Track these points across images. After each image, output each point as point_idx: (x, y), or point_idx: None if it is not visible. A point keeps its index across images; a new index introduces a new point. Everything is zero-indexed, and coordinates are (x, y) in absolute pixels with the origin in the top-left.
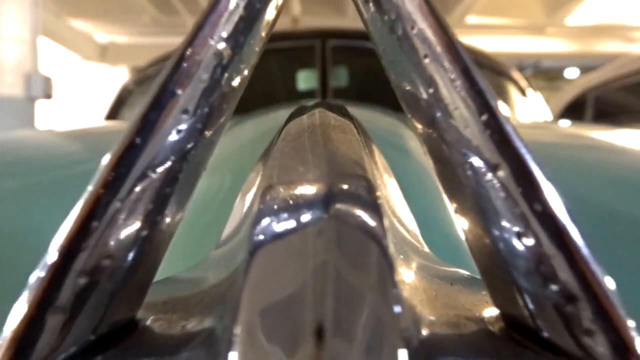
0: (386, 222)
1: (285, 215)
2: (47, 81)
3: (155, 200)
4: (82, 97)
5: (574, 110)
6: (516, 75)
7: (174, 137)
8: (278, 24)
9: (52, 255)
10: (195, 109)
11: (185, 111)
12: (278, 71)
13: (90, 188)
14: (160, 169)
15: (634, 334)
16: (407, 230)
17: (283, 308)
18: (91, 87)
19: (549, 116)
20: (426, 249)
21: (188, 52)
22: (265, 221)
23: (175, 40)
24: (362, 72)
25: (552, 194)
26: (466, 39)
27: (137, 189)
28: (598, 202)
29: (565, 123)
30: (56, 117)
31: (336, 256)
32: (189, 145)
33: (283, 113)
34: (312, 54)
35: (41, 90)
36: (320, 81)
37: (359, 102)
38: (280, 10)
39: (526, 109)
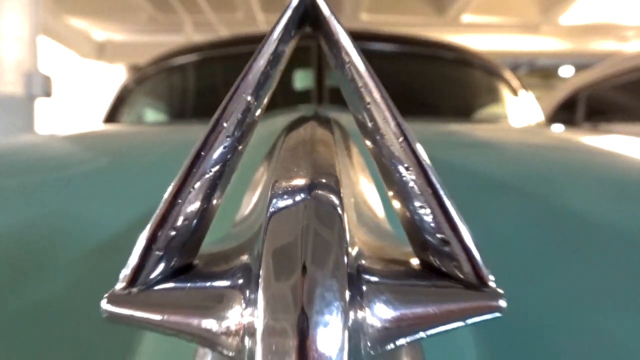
0: (345, 202)
1: (286, 197)
2: (47, 80)
3: (210, 188)
4: (79, 95)
5: (567, 109)
6: (508, 74)
7: (221, 151)
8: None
9: (155, 218)
10: (233, 133)
11: (228, 136)
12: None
13: (175, 180)
14: (213, 170)
15: (480, 261)
16: (370, 209)
17: (285, 250)
18: (89, 85)
19: (540, 116)
20: (386, 223)
21: (230, 102)
22: (275, 200)
23: (172, 38)
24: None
25: (439, 183)
26: (461, 37)
27: (199, 182)
28: (568, 199)
29: (553, 127)
30: (54, 115)
31: (314, 221)
32: (229, 156)
33: (281, 120)
34: (308, 54)
35: (41, 89)
36: (316, 81)
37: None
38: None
39: (518, 109)
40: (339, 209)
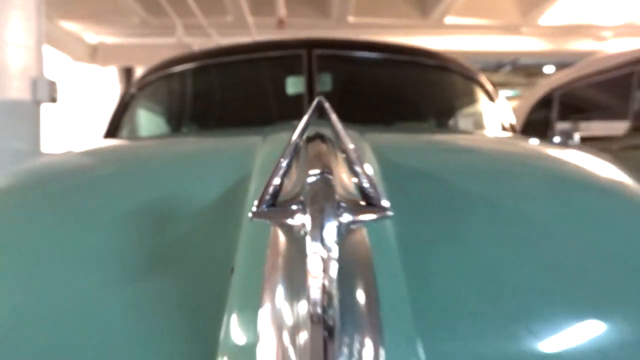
0: (336, 187)
1: (312, 177)
2: (52, 85)
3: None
4: (75, 98)
5: (544, 107)
6: (484, 79)
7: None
8: (266, 27)
9: (269, 178)
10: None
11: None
12: (269, 77)
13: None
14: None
15: (377, 195)
16: (347, 185)
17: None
18: (82, 87)
19: (511, 117)
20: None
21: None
22: (310, 178)
23: (163, 41)
24: (344, 78)
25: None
26: (445, 38)
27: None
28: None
29: (521, 137)
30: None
31: (325, 187)
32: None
33: (284, 136)
34: (299, 61)
35: (47, 95)
36: (307, 87)
37: (341, 105)
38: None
39: (492, 113)
40: (332, 188)
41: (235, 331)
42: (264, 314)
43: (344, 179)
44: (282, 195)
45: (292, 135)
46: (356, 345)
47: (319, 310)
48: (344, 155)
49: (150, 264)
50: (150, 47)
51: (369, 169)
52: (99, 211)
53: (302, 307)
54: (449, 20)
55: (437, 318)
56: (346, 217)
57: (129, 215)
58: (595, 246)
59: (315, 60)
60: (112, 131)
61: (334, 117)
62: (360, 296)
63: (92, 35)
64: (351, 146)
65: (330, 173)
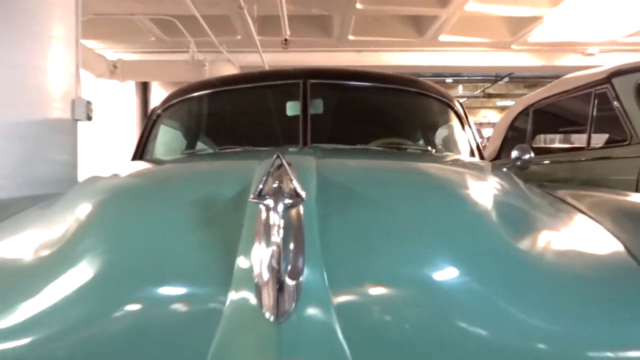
0: (285, 188)
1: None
2: (88, 105)
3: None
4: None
5: (521, 121)
6: (457, 105)
7: None
8: (272, 45)
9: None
10: None
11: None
12: (272, 101)
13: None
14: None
15: (299, 191)
16: (290, 190)
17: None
18: (102, 101)
19: (477, 139)
20: None
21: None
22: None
23: (177, 57)
24: (333, 103)
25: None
26: (439, 54)
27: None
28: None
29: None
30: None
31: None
32: None
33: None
34: (297, 89)
35: (84, 113)
36: (302, 109)
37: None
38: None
39: (462, 134)
40: (283, 186)
41: (243, 259)
42: (255, 249)
43: (289, 185)
44: (263, 192)
45: (268, 164)
46: (291, 261)
47: (278, 245)
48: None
49: (198, 226)
50: (165, 63)
51: (301, 180)
52: (168, 199)
53: (272, 241)
54: (443, 38)
55: (337, 252)
56: (287, 201)
57: (183, 202)
58: (433, 222)
59: (309, 87)
60: (143, 142)
61: (285, 164)
62: (295, 238)
63: (112, 52)
64: (291, 171)
65: (282, 182)
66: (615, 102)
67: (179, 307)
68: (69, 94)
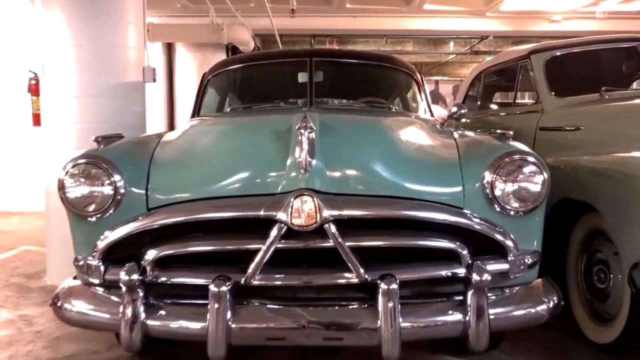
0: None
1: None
2: (154, 71)
3: None
4: None
5: (476, 84)
6: (418, 75)
7: None
8: (281, 12)
9: None
10: None
11: None
12: (288, 72)
13: None
14: None
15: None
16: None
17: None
18: None
19: (429, 101)
20: None
21: None
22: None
23: (199, 21)
24: (330, 73)
25: None
26: (424, 20)
27: None
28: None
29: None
30: None
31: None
32: None
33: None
34: (305, 64)
35: (151, 77)
36: (309, 78)
37: (328, 90)
38: None
39: (420, 97)
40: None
41: (293, 153)
42: (297, 150)
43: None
44: (299, 127)
45: (299, 116)
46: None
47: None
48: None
49: (269, 141)
50: (189, 26)
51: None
52: (248, 129)
53: (303, 147)
54: (427, 6)
55: (330, 152)
56: (309, 130)
57: (262, 130)
58: (394, 149)
59: (314, 63)
60: (199, 100)
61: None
62: (310, 145)
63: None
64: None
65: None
66: (531, 72)
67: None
68: (140, 63)
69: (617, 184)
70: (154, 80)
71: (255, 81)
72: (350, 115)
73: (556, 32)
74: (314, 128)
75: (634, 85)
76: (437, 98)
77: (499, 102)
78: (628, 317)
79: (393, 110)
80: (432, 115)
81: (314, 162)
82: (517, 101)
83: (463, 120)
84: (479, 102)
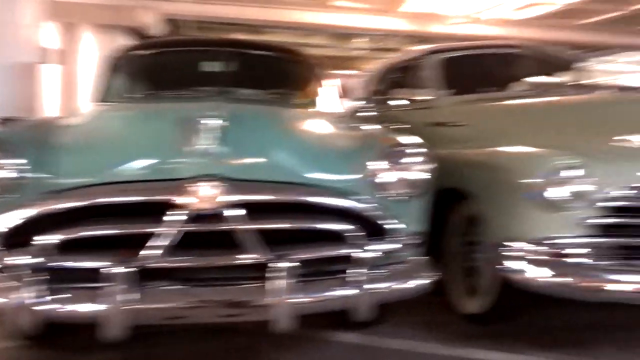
0: None
1: None
2: (49, 51)
3: None
4: None
5: (383, 79)
6: (317, 66)
7: None
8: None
9: None
10: None
11: None
12: (197, 60)
13: None
14: None
15: None
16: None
17: None
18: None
19: (335, 95)
20: None
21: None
22: None
23: (104, 1)
24: (239, 64)
25: None
26: (332, 15)
27: None
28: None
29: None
30: None
31: None
32: None
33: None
34: (215, 53)
35: (46, 58)
36: (214, 66)
37: (237, 80)
38: None
39: (317, 87)
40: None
41: (196, 148)
42: (195, 134)
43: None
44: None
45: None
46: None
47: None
48: None
49: (168, 126)
50: (92, 6)
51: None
52: (146, 115)
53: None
54: (337, 3)
55: (228, 136)
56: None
57: (145, 120)
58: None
59: (223, 53)
60: (102, 83)
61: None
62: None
63: None
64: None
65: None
66: (428, 71)
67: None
68: (34, 42)
69: (488, 175)
70: (50, 61)
71: (163, 67)
72: (255, 105)
73: (452, 35)
74: (218, 116)
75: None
76: (344, 92)
77: (401, 97)
78: (492, 291)
79: (298, 102)
80: (335, 108)
81: (216, 148)
82: (417, 98)
83: (368, 113)
84: (383, 97)
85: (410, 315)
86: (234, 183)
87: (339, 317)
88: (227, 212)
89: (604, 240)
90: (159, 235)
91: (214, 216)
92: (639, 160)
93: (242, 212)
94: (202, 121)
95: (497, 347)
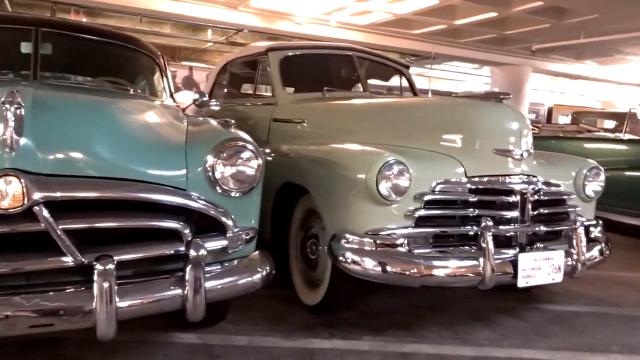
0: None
1: None
2: None
3: None
4: None
5: (224, 73)
6: (162, 60)
7: None
8: None
9: None
10: None
11: None
12: (13, 41)
13: None
14: None
15: None
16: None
17: None
18: None
19: (172, 87)
20: None
21: None
22: None
23: None
24: (63, 47)
25: None
26: (181, 5)
27: None
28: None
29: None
30: None
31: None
32: None
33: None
34: (31, 33)
35: None
36: (34, 49)
37: (59, 64)
38: None
39: (161, 80)
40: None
41: None
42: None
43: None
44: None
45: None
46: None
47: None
48: None
49: None
50: None
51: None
52: None
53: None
54: None
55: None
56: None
57: None
58: (120, 132)
59: (43, 34)
60: None
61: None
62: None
63: None
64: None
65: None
66: (268, 68)
67: None
68: None
69: (324, 170)
70: None
71: None
72: (75, 94)
73: (300, 34)
74: (23, 104)
75: (353, 88)
76: (191, 84)
77: (243, 93)
78: (330, 281)
79: (131, 92)
80: (173, 100)
81: (21, 140)
82: (258, 93)
83: (211, 108)
84: (225, 91)
85: (255, 310)
86: (45, 179)
87: (178, 318)
88: (37, 211)
89: (422, 230)
90: None
91: (23, 215)
92: (451, 158)
93: (48, 211)
94: (4, 108)
95: (336, 335)
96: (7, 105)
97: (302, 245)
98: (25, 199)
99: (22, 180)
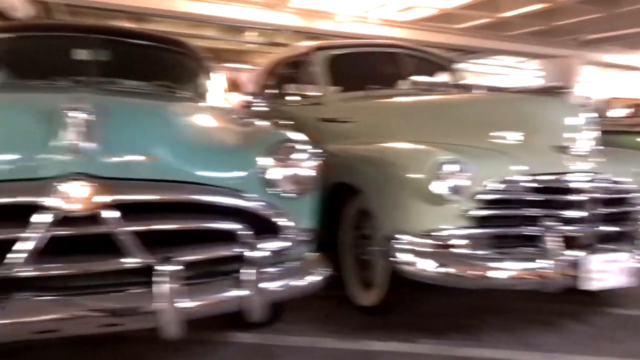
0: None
1: None
2: None
3: None
4: None
5: (273, 73)
6: (210, 62)
7: None
8: None
9: None
10: None
11: None
12: (71, 48)
13: None
14: None
15: None
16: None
17: None
18: None
19: (221, 86)
20: None
21: None
22: None
23: None
24: (117, 53)
25: None
26: (223, 7)
27: None
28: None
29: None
30: None
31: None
32: None
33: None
34: (89, 40)
35: None
36: (89, 56)
37: (114, 70)
38: None
39: (205, 80)
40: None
41: (66, 144)
42: (69, 128)
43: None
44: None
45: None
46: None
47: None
48: None
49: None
50: None
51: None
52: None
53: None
54: None
55: (101, 132)
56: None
57: (8, 113)
58: (178, 134)
59: (98, 40)
60: None
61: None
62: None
63: None
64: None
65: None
66: (316, 68)
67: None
68: None
69: (377, 170)
70: None
71: (31, 54)
72: (134, 98)
73: (341, 32)
74: (89, 109)
75: (400, 85)
76: (235, 86)
77: (291, 93)
78: (385, 282)
79: (183, 95)
80: (224, 102)
81: (88, 144)
82: (306, 93)
83: (260, 108)
84: (274, 92)
85: (309, 310)
86: (110, 182)
87: (236, 318)
88: (103, 214)
89: (482, 230)
90: (24, 240)
91: (87, 218)
92: (509, 156)
93: (117, 213)
94: (72, 114)
95: (392, 337)
96: (75, 111)
97: (353, 246)
98: (92, 202)
99: (91, 184)
